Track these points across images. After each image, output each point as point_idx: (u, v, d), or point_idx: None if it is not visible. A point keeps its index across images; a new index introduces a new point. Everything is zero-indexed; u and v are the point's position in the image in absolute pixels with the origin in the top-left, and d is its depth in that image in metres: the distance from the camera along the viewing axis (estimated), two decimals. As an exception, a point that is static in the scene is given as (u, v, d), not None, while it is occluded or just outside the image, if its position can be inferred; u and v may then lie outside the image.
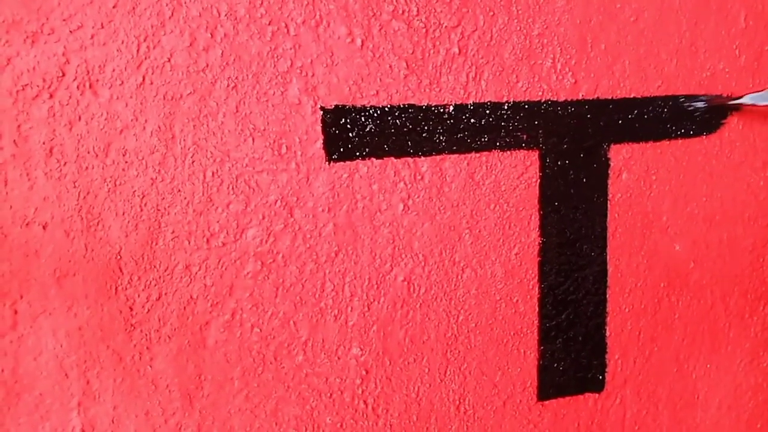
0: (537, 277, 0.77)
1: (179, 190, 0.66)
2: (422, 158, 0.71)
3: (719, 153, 0.79)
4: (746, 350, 0.86)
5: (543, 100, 0.72)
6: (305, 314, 0.71)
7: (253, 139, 0.67)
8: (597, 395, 0.81)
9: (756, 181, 0.81)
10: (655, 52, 0.74)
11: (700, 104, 0.76)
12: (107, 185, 0.64)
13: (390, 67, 0.68)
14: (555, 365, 0.78)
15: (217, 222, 0.67)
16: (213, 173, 0.66)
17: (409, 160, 0.71)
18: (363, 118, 0.69)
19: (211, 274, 0.68)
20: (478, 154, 0.72)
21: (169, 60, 0.63)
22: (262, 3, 0.64)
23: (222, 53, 0.64)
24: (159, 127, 0.64)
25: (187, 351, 0.68)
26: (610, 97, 0.74)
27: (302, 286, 0.71)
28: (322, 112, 0.68)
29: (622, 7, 0.72)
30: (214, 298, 0.69)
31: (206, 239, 0.68)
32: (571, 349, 0.79)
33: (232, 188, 0.67)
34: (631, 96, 0.74)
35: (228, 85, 0.65)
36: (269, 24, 0.65)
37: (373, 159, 0.70)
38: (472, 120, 0.71)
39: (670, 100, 0.75)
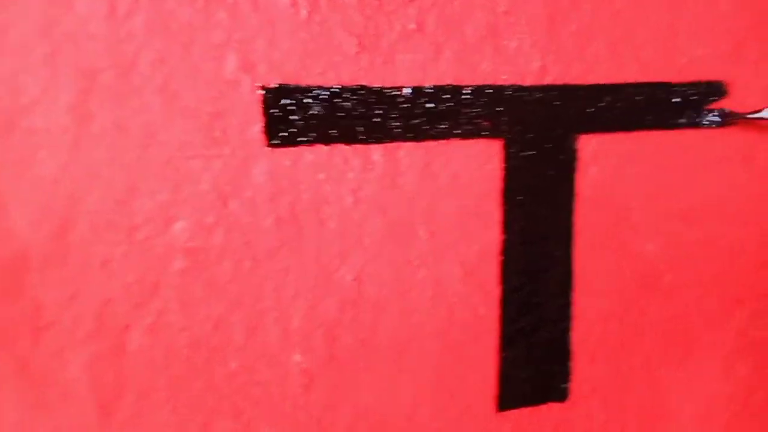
0: (499, 278, 0.73)
1: (97, 176, 0.60)
2: (374, 145, 0.67)
3: (697, 147, 0.76)
4: (721, 357, 0.84)
5: (508, 84, 0.68)
6: (241, 316, 0.66)
7: (183, 121, 0.61)
8: (561, 405, 0.78)
9: (734, 177, 0.78)
10: (631, 35, 0.71)
11: (715, 119, 0.72)
12: (11, 169, 0.57)
13: (339, 43, 0.63)
14: (517, 373, 0.75)
15: (141, 212, 0.62)
16: (137, 157, 0.61)
17: (360, 147, 0.66)
18: (308, 100, 0.64)
19: (134, 270, 0.63)
20: (435, 142, 0.68)
21: (83, 27, 0.57)
22: (192, -35, 0.58)
23: (146, 21, 0.58)
24: (72, 104, 0.58)
25: (105, 357, 0.62)
26: (580, 84, 0.70)
27: (238, 286, 0.66)
28: (262, 92, 0.62)
29: (595, -14, 0.68)
30: (136, 298, 0.63)
31: (128, 232, 0.62)
32: (534, 355, 0.75)
33: (159, 175, 0.62)
34: (604, 82, 0.71)
35: (154, 58, 0.59)
36: (200, -10, 0.59)
37: (320, 145, 0.65)
38: (430, 105, 0.66)
39: (645, 88, 0.72)
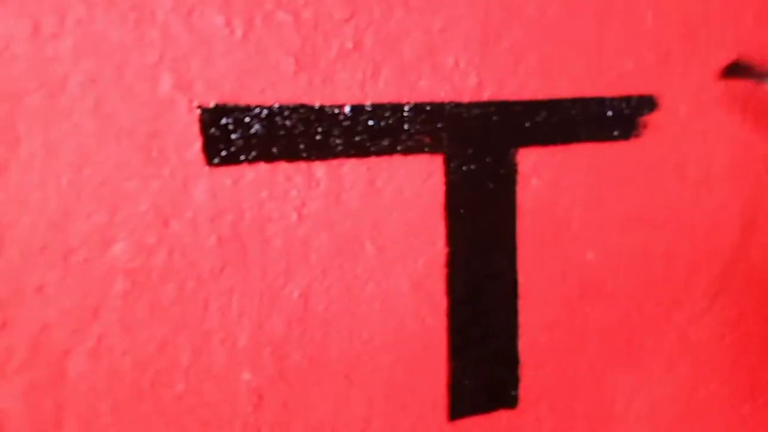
0: (445, 289, 0.74)
1: (27, 200, 0.59)
2: (317, 162, 0.67)
3: (630, 156, 0.79)
4: (663, 359, 0.87)
5: (446, 101, 0.70)
6: (186, 337, 0.65)
7: (118, 142, 0.61)
8: (511, 412, 0.79)
9: (667, 185, 0.82)
10: (561, 52, 0.73)
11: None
12: (-66, 195, 0.56)
13: (277, 62, 0.64)
14: (466, 382, 0.76)
15: (77, 235, 0.61)
16: (69, 180, 0.60)
17: (303, 164, 0.67)
18: (248, 119, 0.64)
19: (71, 295, 0.61)
20: (378, 159, 0.69)
21: (6, 48, 0.56)
22: (122, -14, 0.58)
23: (74, 43, 0.58)
24: (-1, 128, 0.57)
25: (42, 385, 0.61)
26: (516, 99, 0.72)
27: (182, 306, 0.65)
28: (199, 111, 0.62)
29: (527, 3, 0.71)
30: (74, 323, 0.62)
31: (63, 255, 0.61)
32: (483, 364, 0.77)
33: (94, 197, 0.61)
34: (538, 98, 0.73)
35: (84, 79, 0.59)
36: (131, 9, 0.59)
37: (261, 163, 0.65)
38: (371, 122, 0.68)
39: (579, 102, 0.74)
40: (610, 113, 0.77)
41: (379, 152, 0.69)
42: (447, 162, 0.72)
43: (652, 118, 0.79)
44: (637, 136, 0.79)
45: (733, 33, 0.80)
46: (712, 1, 0.79)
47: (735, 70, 0.75)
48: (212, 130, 0.63)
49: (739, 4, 0.80)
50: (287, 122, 0.65)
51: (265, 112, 0.65)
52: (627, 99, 0.77)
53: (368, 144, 0.69)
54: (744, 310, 0.91)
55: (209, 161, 0.64)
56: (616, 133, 0.78)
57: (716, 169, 0.83)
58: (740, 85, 0.82)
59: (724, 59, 0.80)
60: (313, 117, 0.66)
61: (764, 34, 0.82)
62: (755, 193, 0.86)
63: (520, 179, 0.75)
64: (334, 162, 0.68)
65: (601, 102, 0.76)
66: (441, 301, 0.75)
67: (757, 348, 0.94)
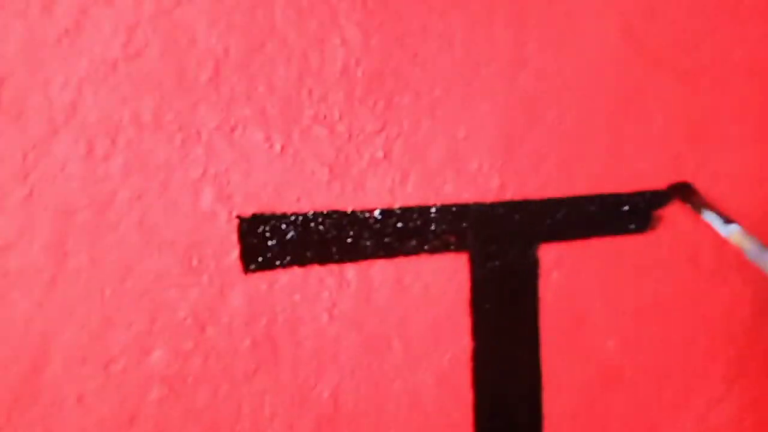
0: (471, 384, 0.76)
1: (71, 312, 0.61)
2: (348, 264, 0.70)
3: (646, 249, 0.83)
4: (683, 444, 0.89)
5: (470, 202, 0.73)
6: (219, 441, 0.67)
7: (160, 253, 0.63)
8: (537, 506, 0.80)
9: (683, 275, 0.85)
10: (579, 153, 0.78)
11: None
12: (-17, 312, 0.58)
13: (312, 172, 0.68)
14: (493, 476, 0.77)
15: (117, 344, 0.63)
16: (112, 291, 0.62)
17: (334, 266, 0.70)
18: (283, 226, 0.67)
19: (110, 403, 0.63)
20: (406, 259, 0.72)
21: (61, 170, 0.59)
22: (170, 108, 0.62)
23: (124, 162, 0.61)
24: (48, 244, 0.60)
25: (77, 495, 0.62)
26: (537, 198, 0.76)
27: (216, 410, 0.67)
28: (238, 221, 0.65)
29: (546, 111, 0.76)
30: (110, 430, 0.63)
31: (104, 365, 0.63)
32: (509, 457, 0.78)
33: (135, 307, 0.63)
34: (559, 196, 0.77)
35: (131, 196, 0.62)
36: (179, 130, 0.63)
37: (295, 267, 0.68)
38: (399, 224, 0.71)
39: (597, 199, 0.78)
40: (626, 208, 0.80)
41: (407, 252, 0.72)
42: (472, 259, 0.75)
43: (666, 212, 0.83)
44: (652, 228, 0.82)
45: (738, 132, 0.85)
46: (720, 102, 0.84)
47: (680, 191, 0.79)
48: (250, 238, 0.66)
49: (743, 104, 0.85)
50: (321, 227, 0.69)
51: (300, 219, 0.68)
52: (642, 194, 0.81)
53: (396, 245, 0.72)
54: (762, 392, 0.93)
55: (246, 268, 0.66)
56: (632, 226, 0.81)
57: (728, 257, 0.86)
58: (750, 179, 0.87)
59: (731, 156, 0.85)
60: (345, 221, 0.70)
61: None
62: (766, 278, 0.89)
63: (542, 273, 0.78)
64: (364, 263, 0.71)
65: (617, 197, 0.80)
66: (467, 396, 0.77)
67: (774, 427, 0.96)
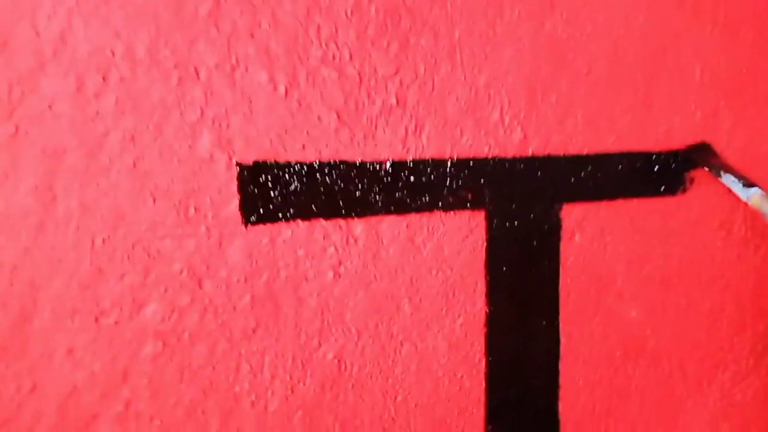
0: (484, 350, 0.72)
1: (60, 261, 0.58)
2: (356, 220, 0.66)
3: (676, 213, 0.77)
4: (705, 420, 0.85)
5: (489, 156, 0.69)
6: (216, 401, 0.64)
7: (154, 200, 0.60)
8: (549, 477, 0.77)
9: (713, 242, 0.80)
10: (608, 107, 0.72)
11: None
12: (-34, 257, 0.55)
13: (319, 118, 0.63)
14: (504, 446, 0.74)
15: (109, 297, 0.60)
16: (104, 240, 0.59)
17: (341, 221, 0.66)
18: (287, 176, 0.63)
19: (101, 358, 0.60)
20: (418, 215, 0.68)
21: (49, 107, 0.55)
22: (166, 43, 0.58)
23: (116, 100, 0.57)
24: (35, 186, 0.56)
25: (68, 452, 0.59)
26: (561, 154, 0.71)
27: (213, 369, 0.64)
28: (238, 169, 0.61)
29: (574, 59, 0.70)
30: (104, 387, 0.60)
31: (95, 317, 0.60)
32: (522, 426, 0.74)
33: (127, 257, 0.60)
34: (584, 152, 0.72)
35: (123, 137, 0.58)
36: (175, 67, 0.58)
37: (299, 221, 0.64)
38: (412, 178, 0.66)
39: (625, 157, 0.73)
40: (656, 168, 0.75)
41: (420, 208, 0.68)
42: (489, 218, 0.70)
43: (699, 173, 0.77)
44: (683, 191, 0.77)
45: (783, 87, 0.79)
46: (762, 55, 0.78)
47: (697, 153, 0.74)
48: (250, 187, 0.62)
49: (789, 57, 0.79)
50: (327, 179, 0.64)
51: (305, 168, 0.63)
52: (674, 153, 0.76)
53: (408, 200, 0.67)
54: (790, 369, 0.88)
55: (246, 220, 0.62)
56: (662, 188, 0.76)
57: (761, 226, 0.81)
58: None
59: (774, 113, 0.79)
60: (353, 173, 0.65)
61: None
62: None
63: (564, 235, 0.74)
64: (373, 219, 0.67)
65: (647, 156, 0.75)
66: (479, 362, 0.73)
67: (801, 406, 0.92)
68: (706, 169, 0.73)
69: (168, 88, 0.58)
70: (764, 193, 0.66)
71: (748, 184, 0.68)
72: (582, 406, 0.79)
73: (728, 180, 0.70)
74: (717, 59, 0.76)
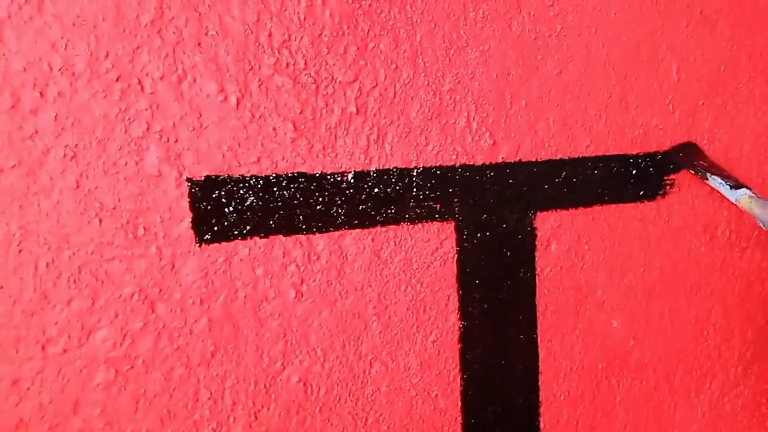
0: (459, 367, 0.71)
1: (2, 287, 0.55)
2: (317, 235, 0.64)
3: (657, 218, 0.76)
4: (694, 432, 0.83)
5: (458, 164, 0.67)
6: (175, 431, 0.62)
7: (101, 220, 0.58)
8: (532, 498, 0.75)
9: (697, 247, 0.78)
10: (582, 109, 0.71)
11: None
12: None
13: (274, 129, 0.61)
14: (483, 467, 0.72)
15: (55, 324, 0.57)
16: (47, 264, 0.57)
17: (302, 237, 0.64)
18: (242, 191, 0.61)
19: (49, 389, 0.58)
20: (384, 228, 0.66)
21: (-19, 125, 0.53)
22: (107, 54, 0.56)
23: (56, 116, 0.55)
24: (-30, 210, 0.54)
25: (14, 490, 0.57)
26: (533, 159, 0.69)
27: (170, 396, 0.61)
28: (189, 185, 0.59)
29: (544, 59, 0.68)
30: (53, 419, 0.58)
31: (41, 346, 0.57)
32: (501, 447, 0.73)
33: (74, 281, 0.58)
34: (558, 157, 0.70)
35: (65, 155, 0.56)
36: (117, 80, 0.56)
37: (257, 238, 0.62)
38: (376, 189, 0.65)
39: (601, 161, 0.71)
40: (634, 172, 0.73)
41: (386, 221, 0.66)
42: (459, 229, 0.68)
43: (679, 177, 0.76)
44: (663, 195, 0.76)
45: (763, 83, 0.78)
46: (741, 50, 0.76)
47: (681, 155, 0.72)
48: (203, 204, 0.60)
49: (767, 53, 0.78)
50: (285, 193, 0.62)
51: (261, 182, 0.62)
52: (652, 156, 0.74)
53: (373, 213, 0.65)
54: (782, 376, 0.87)
55: (200, 238, 0.60)
56: (641, 192, 0.74)
57: (747, 228, 0.79)
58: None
59: (756, 111, 0.78)
60: (313, 186, 0.63)
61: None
62: (791, 251, 0.83)
63: (539, 245, 0.72)
64: (336, 234, 0.65)
65: (624, 160, 0.73)
66: (454, 380, 0.71)
67: (795, 414, 0.90)
68: (692, 171, 0.72)
69: (111, 102, 0.56)
70: (753, 194, 0.64)
71: (736, 185, 0.66)
72: (564, 423, 0.77)
73: (715, 182, 0.68)
74: (694, 56, 0.74)
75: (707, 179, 0.69)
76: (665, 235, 0.77)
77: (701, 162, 0.72)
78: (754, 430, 0.87)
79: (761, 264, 0.82)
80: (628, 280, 0.76)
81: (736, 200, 0.65)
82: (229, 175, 0.61)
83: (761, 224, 0.62)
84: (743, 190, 0.65)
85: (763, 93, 0.78)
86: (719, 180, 0.68)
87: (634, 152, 0.74)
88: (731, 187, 0.66)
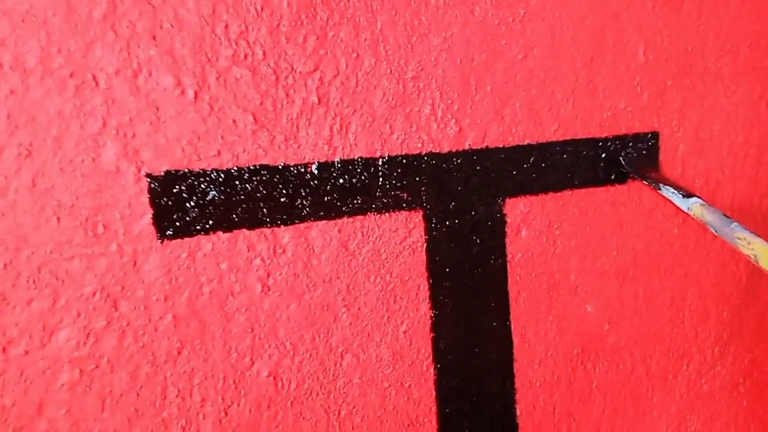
0: (431, 357, 0.71)
1: (-42, 290, 0.56)
2: (282, 228, 0.65)
3: (628, 201, 0.77)
4: (673, 415, 0.85)
5: (424, 152, 0.68)
6: (143, 429, 0.62)
7: (59, 219, 0.58)
8: (510, 486, 0.77)
9: (669, 229, 0.80)
10: (548, 93, 0.71)
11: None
12: None
13: (234, 122, 0.62)
14: (459, 456, 0.73)
15: (16, 325, 0.58)
16: (6, 265, 0.57)
17: (266, 230, 0.64)
18: (203, 185, 0.61)
19: (12, 391, 0.58)
20: (351, 219, 0.67)
21: (-69, 126, 0.53)
22: (59, 50, 0.56)
23: (8, 114, 0.55)
24: (-77, 212, 0.54)
25: (-20, 494, 0.58)
26: (501, 146, 0.70)
27: (137, 395, 0.62)
28: (148, 180, 0.60)
29: (508, 44, 0.69)
30: (17, 421, 0.59)
31: (2, 348, 0.58)
32: (477, 435, 0.74)
33: (34, 281, 0.58)
34: (525, 143, 0.71)
35: (19, 154, 0.56)
36: (71, 76, 0.56)
37: (220, 233, 0.63)
38: (341, 180, 0.65)
39: (569, 145, 0.72)
40: (604, 155, 0.74)
41: (352, 212, 0.67)
42: (427, 218, 0.69)
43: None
44: (634, 178, 0.77)
45: (731, 63, 0.79)
46: (709, 31, 0.77)
47: (633, 166, 0.73)
48: (163, 199, 0.60)
49: (738, 33, 0.78)
50: (247, 186, 0.63)
51: (222, 176, 0.62)
52: (622, 138, 0.75)
53: (339, 204, 0.66)
54: (757, 355, 0.88)
55: (161, 234, 0.61)
56: (611, 176, 0.75)
57: (720, 209, 0.81)
58: (741, 118, 0.81)
59: (725, 91, 0.79)
60: (276, 178, 0.64)
61: (763, 61, 0.81)
62: (763, 233, 0.84)
63: (510, 231, 0.73)
64: (302, 226, 0.65)
65: (594, 144, 0.74)
66: (428, 370, 0.72)
67: (775, 393, 0.92)
68: (644, 182, 0.73)
69: (65, 99, 0.57)
70: (704, 203, 0.66)
71: (687, 194, 0.67)
72: (541, 410, 0.78)
73: (667, 192, 0.70)
74: (661, 37, 0.75)
75: (660, 189, 0.70)
76: (637, 218, 0.78)
77: (653, 174, 0.73)
78: (731, 409, 0.89)
79: (735, 244, 0.83)
80: (601, 263, 0.78)
81: (687, 209, 0.67)
82: (189, 170, 0.61)
83: (713, 230, 0.63)
84: (694, 199, 0.66)
85: (731, 72, 0.79)
86: (672, 190, 0.69)
87: (603, 135, 0.75)
88: (683, 197, 0.67)
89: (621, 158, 0.74)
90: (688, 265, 0.82)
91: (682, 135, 0.78)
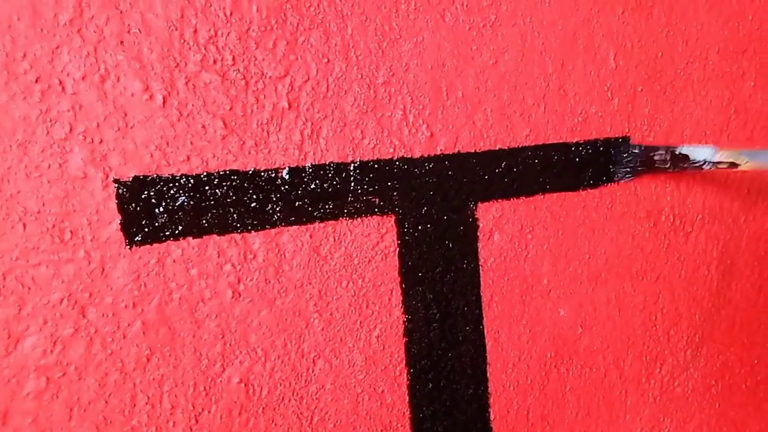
0: (404, 362, 0.74)
1: None
2: (253, 233, 0.67)
3: (599, 205, 0.80)
4: (647, 417, 0.88)
5: (395, 157, 0.70)
6: (111, 437, 0.64)
7: (25, 225, 0.59)
8: (484, 490, 0.79)
9: (641, 233, 0.83)
10: (520, 98, 0.74)
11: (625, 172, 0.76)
12: None
13: (203, 127, 0.64)
14: (433, 461, 0.76)
15: (-20, 333, 0.59)
16: (-31, 272, 0.58)
17: (237, 236, 0.66)
18: (172, 190, 0.63)
19: (-24, 400, 0.60)
20: (322, 224, 0.69)
21: None
22: (24, 56, 0.57)
23: (-29, 120, 0.57)
24: None
25: (-57, 506, 0.59)
26: (472, 150, 0.73)
27: (105, 403, 0.64)
28: (116, 186, 0.61)
29: (479, 50, 0.72)
30: (-19, 431, 0.60)
31: (-35, 356, 0.59)
32: (451, 440, 0.77)
33: (-1, 289, 0.59)
34: (497, 147, 0.74)
35: (-17, 160, 0.57)
36: (36, 81, 0.58)
37: (189, 238, 0.65)
38: (312, 185, 0.67)
39: (541, 150, 0.76)
40: (576, 159, 0.78)
41: (324, 217, 0.69)
42: (399, 223, 0.72)
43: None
44: (605, 183, 0.80)
45: (700, 69, 0.82)
46: (679, 35, 0.81)
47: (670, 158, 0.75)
48: (132, 205, 0.62)
49: (706, 39, 0.82)
50: (217, 191, 0.65)
51: (191, 181, 0.64)
52: (593, 143, 0.78)
53: (310, 209, 0.68)
54: (729, 357, 0.92)
55: (129, 240, 0.63)
56: (583, 180, 0.79)
57: (691, 213, 0.85)
58: (711, 123, 0.84)
59: (695, 96, 0.83)
60: (246, 183, 0.66)
61: (732, 66, 0.85)
62: (733, 236, 0.88)
63: (482, 236, 0.76)
64: (273, 231, 0.68)
65: (565, 148, 0.77)
66: (401, 375, 0.75)
67: (745, 394, 0.96)
68: (654, 171, 0.74)
69: (30, 104, 0.58)
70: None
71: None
72: (515, 413, 0.81)
73: (688, 150, 0.71)
74: (631, 42, 0.79)
75: (674, 168, 0.71)
76: (609, 222, 0.82)
77: (654, 156, 0.75)
78: (704, 411, 0.93)
79: (705, 247, 0.87)
80: (574, 267, 0.81)
81: (715, 159, 0.68)
82: (158, 175, 0.63)
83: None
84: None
85: (701, 78, 0.83)
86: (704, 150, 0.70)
87: (575, 140, 0.78)
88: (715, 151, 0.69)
89: (611, 168, 0.77)
90: (660, 268, 0.85)
91: (653, 139, 0.82)
